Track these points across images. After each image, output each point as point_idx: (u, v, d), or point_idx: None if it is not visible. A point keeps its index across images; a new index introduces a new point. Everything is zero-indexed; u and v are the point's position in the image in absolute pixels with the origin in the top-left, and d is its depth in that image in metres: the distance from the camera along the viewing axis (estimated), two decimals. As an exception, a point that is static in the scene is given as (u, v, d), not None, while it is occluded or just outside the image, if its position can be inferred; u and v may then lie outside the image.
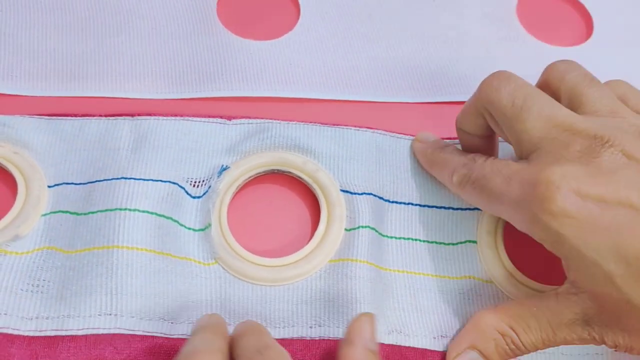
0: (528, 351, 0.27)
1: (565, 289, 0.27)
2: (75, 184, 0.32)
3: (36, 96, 0.35)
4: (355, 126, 0.35)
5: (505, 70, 0.29)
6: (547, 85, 0.29)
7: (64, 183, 0.32)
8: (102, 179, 0.32)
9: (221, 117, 0.34)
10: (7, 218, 0.31)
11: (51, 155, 0.33)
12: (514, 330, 0.27)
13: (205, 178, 0.33)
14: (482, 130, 0.31)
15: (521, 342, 0.27)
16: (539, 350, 0.27)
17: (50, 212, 0.31)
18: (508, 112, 0.27)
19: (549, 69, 0.29)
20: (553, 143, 0.26)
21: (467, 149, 0.32)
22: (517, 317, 0.27)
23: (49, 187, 0.32)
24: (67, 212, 0.31)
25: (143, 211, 0.30)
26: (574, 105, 0.28)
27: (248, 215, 0.33)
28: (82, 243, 0.30)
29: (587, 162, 0.25)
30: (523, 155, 0.27)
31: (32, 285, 0.29)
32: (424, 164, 0.34)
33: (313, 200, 0.34)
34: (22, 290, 0.29)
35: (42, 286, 0.29)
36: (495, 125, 0.29)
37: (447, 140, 0.35)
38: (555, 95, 0.28)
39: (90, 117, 0.34)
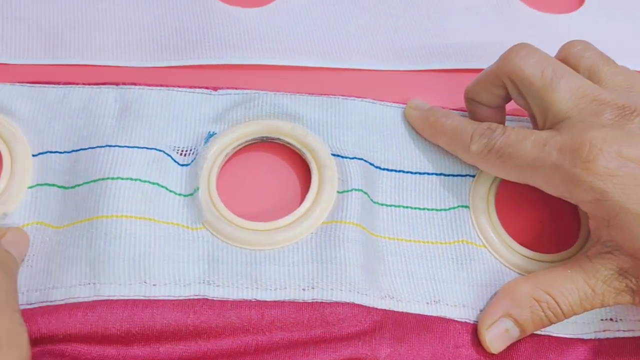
0: (565, 316, 0.28)
1: (596, 249, 0.28)
2: (60, 152, 0.32)
3: (18, 64, 0.35)
4: (343, 95, 0.35)
5: (527, 43, 0.30)
6: (566, 61, 0.30)
7: (48, 152, 0.31)
8: (86, 147, 0.31)
9: (207, 88, 0.34)
10: None
11: (34, 122, 0.32)
12: (550, 295, 0.28)
13: (193, 147, 0.32)
14: (498, 100, 0.32)
15: (559, 305, 0.28)
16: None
17: (37, 185, 0.31)
18: (537, 82, 0.29)
19: (567, 46, 0.31)
20: (583, 112, 0.27)
21: (476, 119, 0.33)
22: (552, 281, 0.28)
23: (33, 156, 0.31)
24: (54, 185, 0.31)
25: (126, 178, 0.30)
26: (593, 80, 0.29)
27: (237, 183, 0.33)
28: (69, 218, 0.30)
29: (620, 128, 0.27)
30: (548, 123, 0.29)
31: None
32: (424, 132, 0.34)
33: (303, 166, 0.33)
34: None
35: (32, 261, 0.29)
36: (518, 95, 0.31)
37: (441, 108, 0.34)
38: (575, 71, 0.30)
39: (74, 85, 0.33)
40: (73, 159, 0.31)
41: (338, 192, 0.31)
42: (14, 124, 0.32)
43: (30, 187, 0.31)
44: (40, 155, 0.31)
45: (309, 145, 0.32)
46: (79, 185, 0.30)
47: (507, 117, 0.34)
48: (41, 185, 0.31)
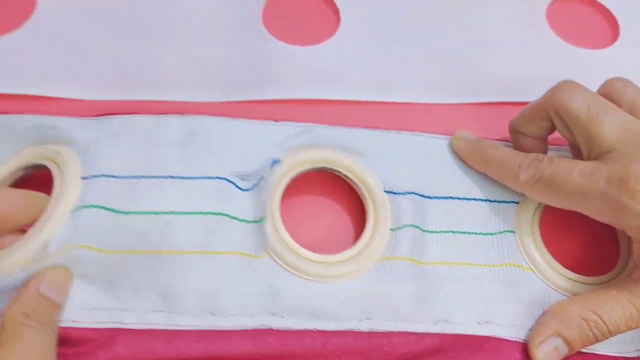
0: (611, 335, 0.30)
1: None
2: (116, 176, 0.31)
3: (88, 100, 0.37)
4: (395, 129, 0.37)
5: (572, 80, 0.33)
6: (609, 97, 0.32)
7: (102, 175, 0.31)
8: (148, 175, 0.32)
9: (268, 120, 0.36)
10: (37, 224, 0.29)
11: (94, 147, 0.32)
12: (598, 315, 0.30)
13: (254, 171, 0.33)
14: (543, 132, 0.34)
15: (606, 325, 0.30)
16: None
17: (82, 207, 0.30)
18: (583, 116, 0.31)
19: (609, 83, 0.33)
20: (628, 145, 0.30)
21: (520, 150, 0.35)
22: (599, 302, 0.30)
23: (85, 178, 0.31)
24: (102, 207, 0.30)
25: (190, 213, 0.31)
26: (634, 115, 0.32)
27: (291, 211, 0.34)
28: (124, 245, 0.30)
29: None
30: (593, 154, 0.31)
31: (79, 277, 0.29)
32: (471, 162, 0.36)
33: (353, 197, 0.35)
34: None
35: (88, 279, 0.29)
36: (563, 128, 0.33)
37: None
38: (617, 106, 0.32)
39: (138, 115, 0.34)
40: (131, 185, 0.31)
41: (391, 229, 0.33)
42: (74, 152, 0.32)
43: (76, 209, 0.30)
44: (93, 178, 0.31)
45: (365, 181, 0.34)
46: (136, 212, 0.30)
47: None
48: (87, 207, 0.30)
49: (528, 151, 0.34)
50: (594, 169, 0.30)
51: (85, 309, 0.29)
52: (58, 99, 0.37)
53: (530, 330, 0.32)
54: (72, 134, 0.33)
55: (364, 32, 0.42)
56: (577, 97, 0.31)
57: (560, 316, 0.31)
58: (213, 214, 0.31)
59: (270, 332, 0.30)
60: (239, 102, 0.38)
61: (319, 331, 0.30)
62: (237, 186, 0.33)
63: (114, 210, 0.30)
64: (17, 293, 0.27)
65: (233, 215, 0.32)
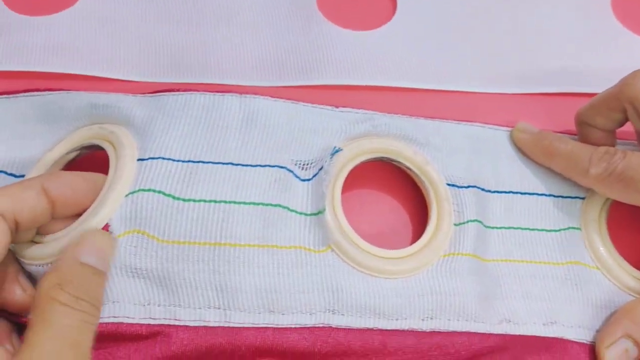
0: None
1: None
2: (174, 160, 0.29)
3: (143, 81, 0.36)
4: (452, 119, 0.36)
5: None
6: None
7: (160, 157, 0.29)
8: (207, 160, 0.30)
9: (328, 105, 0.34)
10: (92, 206, 0.28)
11: (150, 128, 0.30)
12: None
13: (315, 160, 0.32)
14: (614, 124, 0.33)
15: None
16: None
17: (139, 190, 0.28)
18: None
19: None
20: None
21: (587, 142, 0.33)
22: None
23: (141, 160, 0.29)
24: (160, 192, 0.28)
25: (249, 203, 0.29)
26: None
27: (346, 202, 0.32)
28: (182, 234, 0.28)
29: None
30: None
31: (132, 272, 0.27)
32: (535, 155, 0.34)
33: (411, 189, 0.34)
34: (122, 275, 0.27)
35: (141, 271, 0.27)
36: (638, 120, 0.31)
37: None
38: None
39: (195, 92, 0.32)
40: (189, 170, 0.29)
41: (454, 224, 0.32)
42: (129, 133, 0.30)
43: (132, 193, 0.28)
44: (150, 160, 0.29)
45: (428, 174, 0.33)
46: (195, 200, 0.29)
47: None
48: (145, 190, 0.28)
49: (596, 144, 0.33)
50: None
51: (139, 304, 0.28)
52: (108, 79, 0.36)
53: (598, 331, 0.31)
54: (127, 113, 0.31)
55: (421, 17, 0.41)
56: None
57: (630, 317, 0.29)
58: (272, 205, 0.30)
59: (330, 330, 0.29)
60: (292, 87, 0.37)
61: (379, 330, 0.29)
62: (296, 175, 0.31)
63: (172, 196, 0.28)
64: (53, 264, 0.25)
65: (292, 207, 0.30)
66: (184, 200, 0.29)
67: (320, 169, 0.31)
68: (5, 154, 0.32)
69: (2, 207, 0.24)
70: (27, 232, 0.27)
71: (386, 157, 0.33)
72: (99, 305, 0.25)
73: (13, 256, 0.27)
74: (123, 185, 0.28)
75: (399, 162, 0.33)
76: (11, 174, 0.31)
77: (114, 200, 0.28)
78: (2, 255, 0.24)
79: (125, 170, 0.29)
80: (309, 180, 0.31)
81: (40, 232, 0.28)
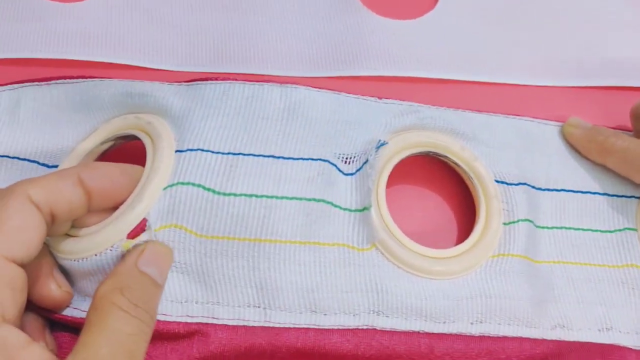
0: None
1: None
2: (214, 152, 0.28)
3: (180, 71, 0.35)
4: (500, 113, 0.34)
5: None
6: None
7: (199, 149, 0.28)
8: (247, 152, 0.28)
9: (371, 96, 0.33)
10: (129, 199, 0.27)
11: (188, 119, 0.29)
12: None
13: (358, 153, 0.30)
14: None
15: None
16: None
17: (178, 183, 0.27)
18: None
19: None
20: None
21: None
22: None
23: (179, 151, 0.28)
24: (200, 186, 0.27)
25: (292, 198, 0.28)
26: None
27: (391, 196, 0.31)
28: (220, 229, 0.27)
29: None
30: None
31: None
32: (589, 152, 0.33)
33: (457, 185, 0.33)
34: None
35: (180, 267, 0.27)
36: None
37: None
38: None
39: (234, 81, 0.30)
40: (230, 163, 0.28)
41: (504, 223, 0.30)
42: (166, 123, 0.29)
43: (170, 186, 0.27)
44: (188, 152, 0.28)
45: (476, 170, 0.31)
46: (235, 194, 0.27)
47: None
48: (183, 184, 0.27)
49: None
50: None
51: (176, 302, 0.26)
52: (142, 68, 0.35)
53: None
54: (163, 102, 0.30)
55: (465, 7, 0.39)
56: None
57: None
58: (315, 200, 0.28)
59: (374, 332, 0.27)
60: (331, 78, 0.36)
61: (426, 333, 0.28)
62: (339, 169, 0.30)
63: (212, 190, 0.27)
64: (113, 269, 0.25)
65: (336, 203, 0.29)
66: (224, 194, 0.27)
67: (365, 162, 0.30)
68: (38, 142, 0.31)
69: (38, 198, 0.23)
70: (62, 225, 0.26)
71: (433, 152, 0.32)
72: (154, 316, 0.24)
73: (48, 250, 0.26)
74: (161, 178, 0.27)
75: (446, 157, 0.32)
76: (44, 164, 0.31)
77: (152, 194, 0.27)
78: (38, 249, 0.23)
79: (163, 163, 0.27)
80: (352, 174, 0.30)
81: (75, 225, 0.27)
